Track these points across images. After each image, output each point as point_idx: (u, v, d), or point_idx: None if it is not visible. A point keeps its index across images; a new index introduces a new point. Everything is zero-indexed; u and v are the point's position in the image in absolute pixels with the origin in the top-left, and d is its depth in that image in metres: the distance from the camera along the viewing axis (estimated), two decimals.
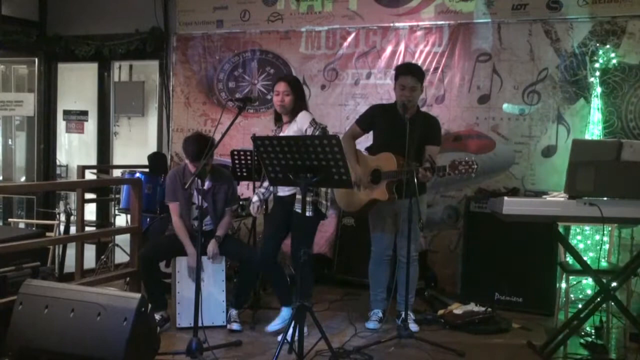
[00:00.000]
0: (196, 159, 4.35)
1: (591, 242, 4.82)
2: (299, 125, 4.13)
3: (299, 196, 4.06)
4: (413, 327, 4.28)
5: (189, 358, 3.69)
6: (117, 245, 5.88)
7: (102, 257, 5.92)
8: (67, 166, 8.33)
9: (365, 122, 4.48)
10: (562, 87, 5.22)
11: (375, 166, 4.29)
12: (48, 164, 7.69)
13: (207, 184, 4.39)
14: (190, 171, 4.47)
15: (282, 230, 4.29)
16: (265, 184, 4.34)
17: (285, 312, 4.31)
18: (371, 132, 4.53)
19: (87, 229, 5.80)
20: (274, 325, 4.29)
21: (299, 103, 4.23)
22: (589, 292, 4.60)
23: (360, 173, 4.31)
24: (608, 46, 5.01)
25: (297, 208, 4.05)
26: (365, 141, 4.62)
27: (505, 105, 5.38)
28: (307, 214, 4.02)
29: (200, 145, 4.32)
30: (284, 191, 4.24)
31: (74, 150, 8.45)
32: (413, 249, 4.26)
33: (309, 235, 4.20)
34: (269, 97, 6.14)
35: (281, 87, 4.19)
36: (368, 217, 4.53)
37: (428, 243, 5.57)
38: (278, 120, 4.34)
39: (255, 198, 4.37)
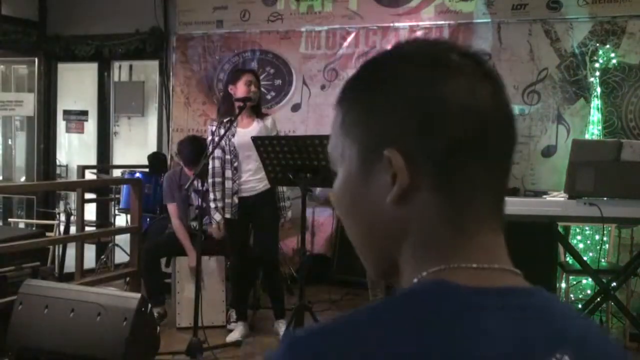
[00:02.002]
0: (189, 163, 4.37)
1: (591, 242, 4.82)
2: (269, 129, 4.11)
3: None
4: None
5: (189, 358, 3.69)
6: (117, 245, 5.88)
7: (102, 257, 5.92)
8: (67, 166, 8.33)
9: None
10: (562, 87, 5.21)
11: None
12: (48, 164, 7.68)
13: (205, 184, 4.39)
14: (187, 173, 4.47)
15: (246, 236, 4.33)
16: (218, 195, 4.14)
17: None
18: None
19: (87, 229, 5.80)
20: None
21: (260, 99, 4.31)
22: (589, 292, 4.60)
23: None
24: (608, 46, 5.01)
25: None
26: None
27: None
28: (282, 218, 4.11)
29: (193, 149, 4.33)
30: (245, 192, 4.19)
31: (74, 150, 8.45)
32: None
33: (275, 240, 4.30)
34: (268, 97, 6.14)
35: (252, 77, 4.18)
36: None
37: None
38: (225, 112, 4.18)
39: (218, 217, 4.16)
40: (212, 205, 4.14)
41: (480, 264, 0.67)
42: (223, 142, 4.09)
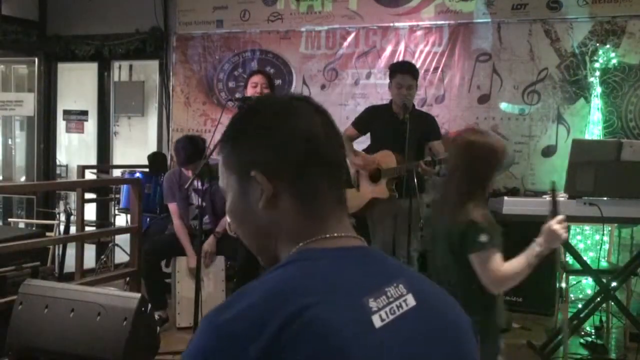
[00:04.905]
0: (185, 164, 4.37)
1: (591, 242, 4.82)
2: None
3: None
4: None
5: None
6: (117, 245, 5.88)
7: (102, 257, 5.92)
8: (67, 166, 8.33)
9: (362, 123, 4.47)
10: (562, 87, 5.22)
11: (375, 165, 4.29)
12: (48, 164, 7.68)
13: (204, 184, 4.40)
14: (186, 173, 4.48)
15: None
16: None
17: None
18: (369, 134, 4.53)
19: (87, 229, 5.80)
20: None
21: None
22: (589, 292, 4.60)
23: (360, 162, 4.27)
24: (608, 46, 5.01)
25: None
26: (366, 140, 4.62)
27: (504, 105, 5.38)
28: None
29: (188, 150, 4.33)
30: None
31: (74, 150, 8.45)
32: (412, 248, 4.26)
33: None
34: None
35: (259, 79, 4.14)
36: (367, 217, 4.52)
37: (427, 243, 5.56)
38: None
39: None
40: None
41: (330, 233, 0.97)
42: None
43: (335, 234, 0.97)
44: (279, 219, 0.97)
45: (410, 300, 0.94)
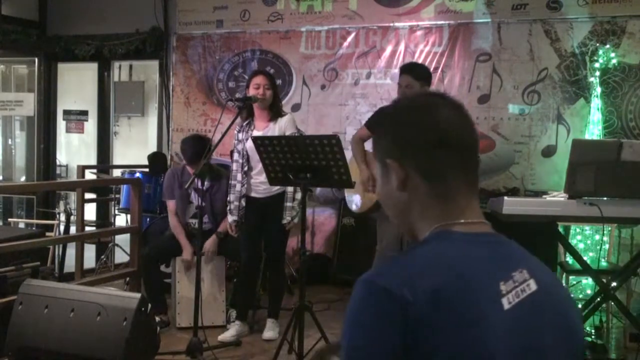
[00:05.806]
0: (192, 162, 4.37)
1: (591, 242, 4.81)
2: (282, 129, 4.10)
3: (288, 203, 4.10)
4: None
5: (189, 358, 3.69)
6: (117, 245, 5.88)
7: (102, 257, 5.92)
8: (67, 166, 8.33)
9: (373, 124, 4.47)
10: (562, 87, 5.21)
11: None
12: (48, 164, 7.68)
13: (205, 184, 4.39)
14: (189, 171, 4.48)
15: (258, 235, 4.32)
16: (232, 197, 4.24)
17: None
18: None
19: (87, 229, 5.80)
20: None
21: (277, 100, 4.22)
22: (589, 292, 4.60)
23: (367, 174, 4.26)
24: (608, 46, 5.01)
25: (286, 217, 4.12)
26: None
27: (509, 106, 5.38)
28: (284, 221, 4.09)
29: (196, 147, 4.34)
30: (258, 193, 4.22)
31: (74, 150, 8.45)
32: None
33: (284, 242, 4.30)
34: None
35: (262, 80, 4.13)
36: (376, 216, 4.52)
37: None
38: (248, 116, 4.23)
39: (230, 218, 4.24)
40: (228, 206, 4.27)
41: (465, 219, 1.11)
42: (240, 146, 4.17)
43: (467, 220, 1.10)
44: (412, 200, 1.13)
45: (532, 285, 1.07)
